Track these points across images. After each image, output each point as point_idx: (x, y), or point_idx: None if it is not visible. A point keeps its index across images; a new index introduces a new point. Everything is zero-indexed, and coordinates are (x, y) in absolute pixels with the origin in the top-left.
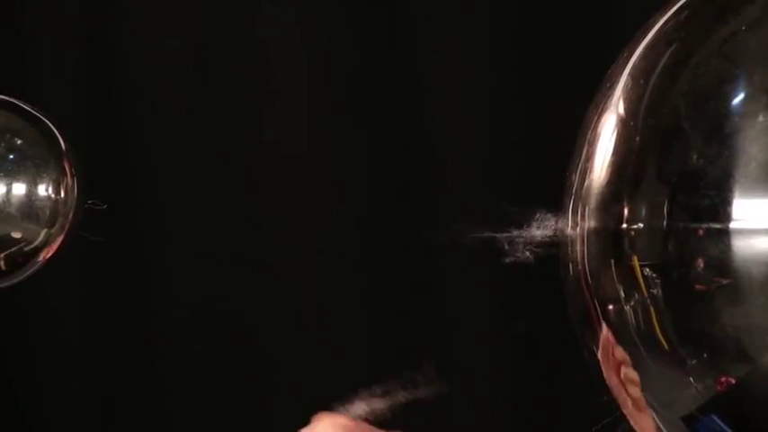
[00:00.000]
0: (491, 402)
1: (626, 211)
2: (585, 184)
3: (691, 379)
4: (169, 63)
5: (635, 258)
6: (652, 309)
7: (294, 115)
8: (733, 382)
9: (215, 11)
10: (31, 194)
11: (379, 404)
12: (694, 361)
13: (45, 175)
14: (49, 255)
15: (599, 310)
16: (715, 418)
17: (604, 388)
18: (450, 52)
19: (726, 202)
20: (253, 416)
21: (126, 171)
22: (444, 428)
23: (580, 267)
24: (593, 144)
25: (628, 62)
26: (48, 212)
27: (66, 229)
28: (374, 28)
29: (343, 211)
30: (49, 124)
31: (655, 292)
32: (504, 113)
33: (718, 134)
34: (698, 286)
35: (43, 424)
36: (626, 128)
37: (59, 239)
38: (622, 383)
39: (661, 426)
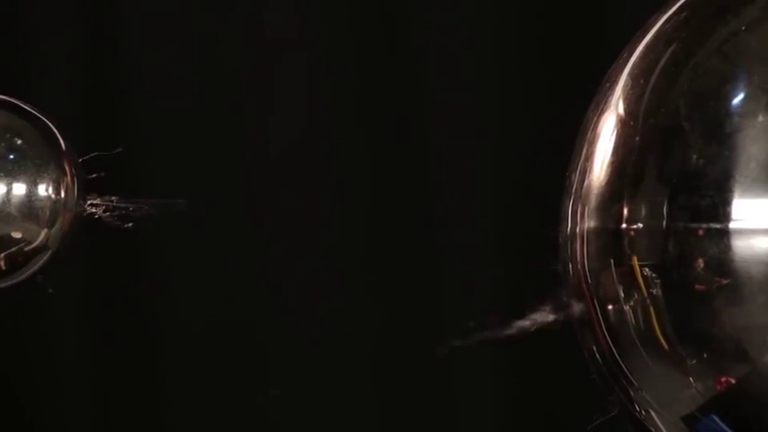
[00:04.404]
0: (490, 402)
1: (626, 211)
2: (585, 184)
3: (691, 379)
4: (170, 63)
5: (635, 258)
6: (652, 309)
7: (294, 115)
8: (733, 382)
9: (216, 11)
10: (31, 194)
11: None
12: (694, 361)
13: (45, 175)
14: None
15: (599, 310)
16: (715, 418)
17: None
18: (449, 52)
19: (726, 202)
20: (253, 416)
21: (125, 171)
22: (443, 428)
23: (580, 267)
24: (593, 144)
25: (628, 62)
26: (48, 212)
27: (66, 229)
28: (375, 28)
29: (344, 210)
30: (49, 124)
31: (655, 292)
32: (503, 113)
33: (718, 134)
34: (698, 286)
35: (43, 424)
36: (626, 128)
37: (59, 239)
38: None
39: (662, 428)
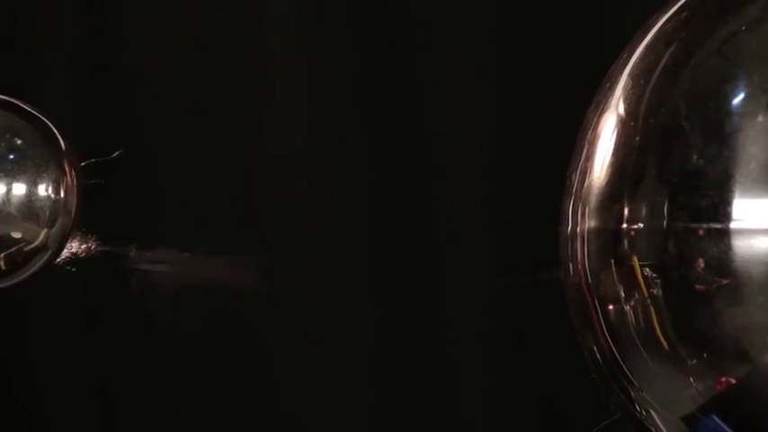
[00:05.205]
0: (490, 403)
1: (626, 211)
2: (585, 184)
3: (691, 379)
4: (170, 63)
5: (635, 258)
6: (652, 309)
7: (294, 116)
8: (733, 382)
9: (216, 11)
10: (31, 194)
11: None
12: (694, 361)
13: (45, 175)
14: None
15: (599, 310)
16: (715, 418)
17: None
18: (450, 52)
19: (726, 202)
20: (254, 416)
21: (126, 171)
22: (442, 428)
23: (580, 267)
24: (593, 144)
25: (628, 62)
26: (48, 212)
27: (66, 228)
28: (375, 27)
29: (344, 211)
30: (49, 124)
31: (655, 292)
32: (503, 113)
33: (718, 134)
34: (698, 286)
35: (44, 424)
36: (626, 128)
37: (59, 239)
38: None
39: (662, 428)
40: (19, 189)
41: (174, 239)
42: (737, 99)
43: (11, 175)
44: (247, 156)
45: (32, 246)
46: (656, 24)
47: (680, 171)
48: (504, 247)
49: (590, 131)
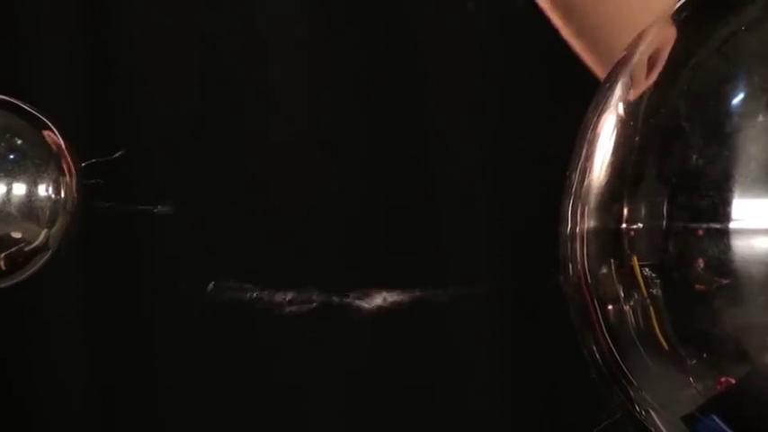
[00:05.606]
0: (490, 403)
1: (626, 211)
2: (585, 183)
3: (691, 379)
4: (170, 63)
5: (635, 258)
6: (652, 309)
7: (294, 116)
8: (733, 382)
9: (216, 11)
10: (31, 194)
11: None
12: (694, 361)
13: (45, 175)
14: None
15: (599, 310)
16: (715, 418)
17: (606, 389)
18: (450, 52)
19: (726, 202)
20: (256, 417)
21: (126, 171)
22: (439, 424)
23: (580, 267)
24: (592, 144)
25: (628, 62)
26: (48, 212)
27: (66, 228)
28: (375, 27)
29: (344, 209)
30: (49, 124)
31: (655, 292)
32: (503, 113)
33: (718, 134)
34: (698, 286)
35: (43, 424)
36: (626, 128)
37: (59, 239)
38: None
39: (662, 428)
40: (19, 189)
41: (175, 239)
42: (737, 99)
43: (11, 175)
44: (248, 155)
45: (32, 246)
46: (656, 24)
47: (680, 171)
48: (504, 247)
49: (590, 131)
